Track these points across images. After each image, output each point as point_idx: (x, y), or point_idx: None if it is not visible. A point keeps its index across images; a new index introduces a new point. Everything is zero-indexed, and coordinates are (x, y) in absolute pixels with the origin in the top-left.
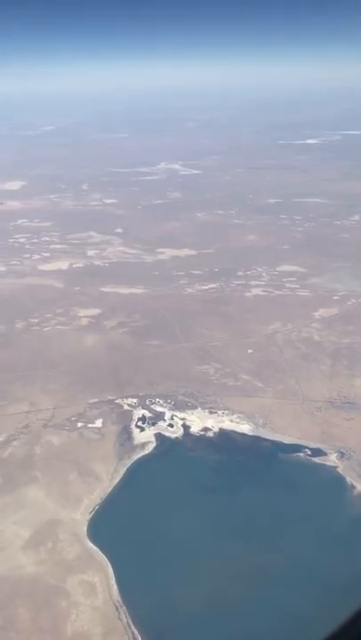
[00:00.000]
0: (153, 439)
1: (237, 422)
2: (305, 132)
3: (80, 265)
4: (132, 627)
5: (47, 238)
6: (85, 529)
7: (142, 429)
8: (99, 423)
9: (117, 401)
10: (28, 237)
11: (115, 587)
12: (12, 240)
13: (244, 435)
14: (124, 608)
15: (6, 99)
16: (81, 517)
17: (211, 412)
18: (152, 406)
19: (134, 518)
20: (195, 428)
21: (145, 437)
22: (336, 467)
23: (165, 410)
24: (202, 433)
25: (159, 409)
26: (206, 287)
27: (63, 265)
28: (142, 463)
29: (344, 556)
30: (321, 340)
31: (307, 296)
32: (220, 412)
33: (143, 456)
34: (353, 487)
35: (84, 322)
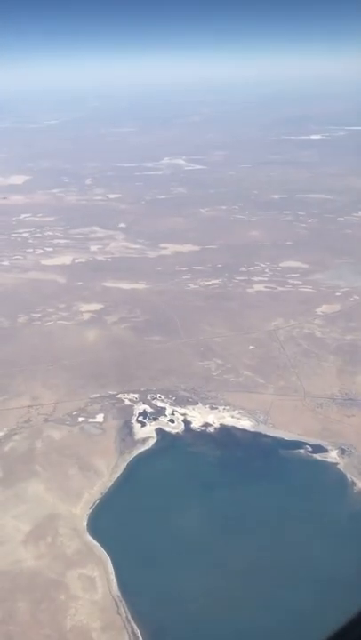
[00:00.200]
0: (154, 434)
1: (238, 418)
2: (310, 127)
3: (83, 260)
4: (131, 621)
5: (50, 233)
6: (85, 523)
7: (143, 424)
8: (100, 418)
9: (119, 396)
10: (31, 232)
11: (114, 581)
12: (15, 234)
13: (244, 431)
14: (124, 602)
15: (11, 93)
16: (81, 512)
17: (212, 408)
18: (153, 401)
19: (134, 513)
20: (196, 424)
21: (146, 432)
22: (337, 463)
23: (166, 405)
24: (203, 428)
25: (160, 404)
26: (209, 283)
27: (66, 260)
28: (143, 458)
29: (345, 553)
30: (323, 336)
31: (309, 292)
32: (221, 408)
33: (144, 451)
34: (354, 484)
35: (86, 317)
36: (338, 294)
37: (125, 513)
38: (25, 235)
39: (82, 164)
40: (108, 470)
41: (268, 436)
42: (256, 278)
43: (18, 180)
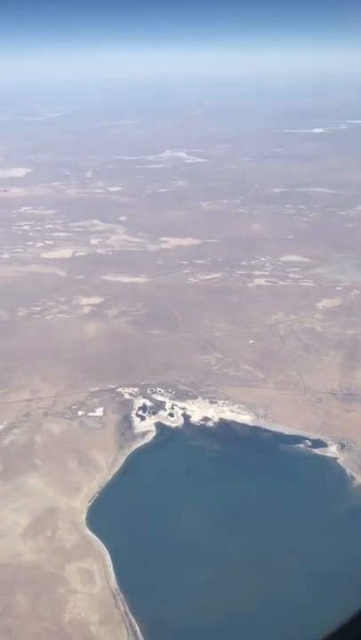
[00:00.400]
0: (153, 428)
1: (238, 412)
2: (312, 120)
3: (83, 253)
4: (130, 615)
5: (51, 226)
6: (84, 517)
7: (143, 418)
8: (99, 412)
9: (118, 390)
10: (31, 225)
11: (113, 575)
12: (15, 227)
13: (244, 425)
14: (122, 596)
15: (12, 85)
16: (80, 506)
17: (211, 402)
18: (153, 395)
19: (133, 507)
20: (195, 418)
21: (145, 426)
22: (336, 458)
23: (166, 399)
24: (202, 423)
25: (160, 398)
26: (209, 277)
27: (66, 253)
28: (142, 452)
29: (344, 548)
30: (323, 331)
31: (310, 286)
32: (220, 402)
33: (143, 445)
34: (353, 479)
35: (86, 310)
36: (339, 289)
37: (124, 507)
38: (25, 228)
39: (83, 156)
40: (107, 464)
41: (268, 431)
42: (257, 272)
43: (18, 172)
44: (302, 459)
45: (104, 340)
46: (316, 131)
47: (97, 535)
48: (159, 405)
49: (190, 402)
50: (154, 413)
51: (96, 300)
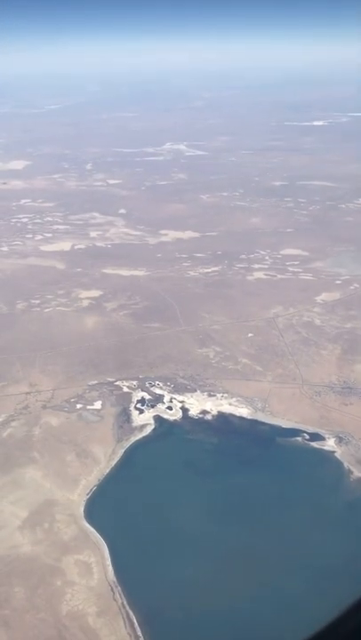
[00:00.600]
0: (152, 421)
1: (236, 406)
2: (313, 113)
3: (82, 246)
4: (127, 607)
5: (50, 219)
6: (82, 510)
7: (141, 411)
8: (98, 405)
9: (117, 383)
10: (30, 217)
11: (110, 567)
12: (14, 220)
13: (242, 418)
14: (119, 588)
15: (11, 77)
16: (78, 498)
17: (210, 395)
18: (151, 389)
19: (131, 500)
20: (193, 411)
21: (144, 420)
22: (334, 451)
23: (165, 392)
24: (200, 416)
25: (158, 391)
26: (209, 270)
27: (65, 246)
28: (140, 445)
29: (341, 541)
30: (322, 324)
31: (309, 280)
32: (218, 396)
33: (141, 438)
34: (350, 472)
35: (85, 303)
36: (338, 282)
37: (122, 500)
38: (24, 220)
39: (82, 149)
40: (105, 457)
41: (266, 424)
42: (256, 266)
43: (18, 165)
44: (300, 452)
45: (103, 333)
46: (316, 123)
47: (95, 528)
48: (158, 398)
49: (189, 395)
50: (152, 406)
51: (95, 293)
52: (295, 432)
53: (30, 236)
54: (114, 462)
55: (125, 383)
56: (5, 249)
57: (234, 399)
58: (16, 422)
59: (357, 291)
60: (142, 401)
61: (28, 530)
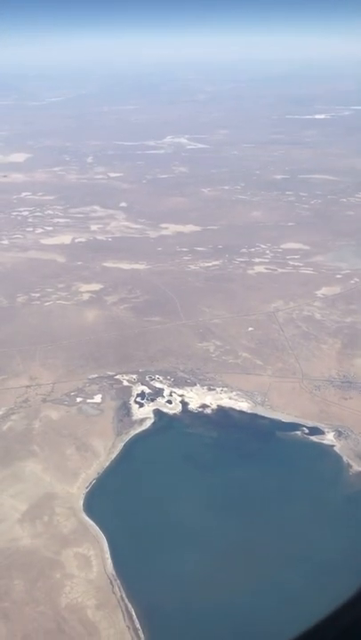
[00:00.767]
0: (151, 415)
1: (236, 400)
2: (315, 106)
3: (83, 239)
4: (126, 600)
5: (50, 212)
6: (82, 503)
7: (141, 405)
8: (98, 398)
9: (117, 377)
10: (31, 211)
11: (109, 560)
12: (15, 213)
13: (242, 412)
14: (118, 581)
15: (13, 69)
16: (77, 491)
17: (209, 389)
18: (151, 382)
19: (131, 493)
20: (193, 405)
21: (143, 413)
22: (333, 445)
23: (164, 386)
24: (200, 410)
25: (158, 385)
26: (209, 264)
27: (66, 239)
28: (140, 439)
29: (340, 535)
30: (322, 318)
31: (310, 274)
32: (218, 390)
33: (141, 432)
34: (349, 466)
35: (86, 297)
36: (339, 276)
37: (122, 493)
38: (25, 213)
39: (83, 142)
40: (105, 450)
41: (266, 418)
42: (257, 259)
43: (19, 157)
44: (299, 446)
45: (103, 326)
46: (318, 117)
47: (94, 521)
48: (157, 392)
49: (189, 389)
50: (152, 400)
51: (95, 286)
52: (295, 426)
53: (31, 229)
54: (113, 456)
55: (125, 377)
56: (6, 242)
57: (234, 393)
58: (16, 416)
59: (358, 285)
60: (142, 395)
61: (28, 523)
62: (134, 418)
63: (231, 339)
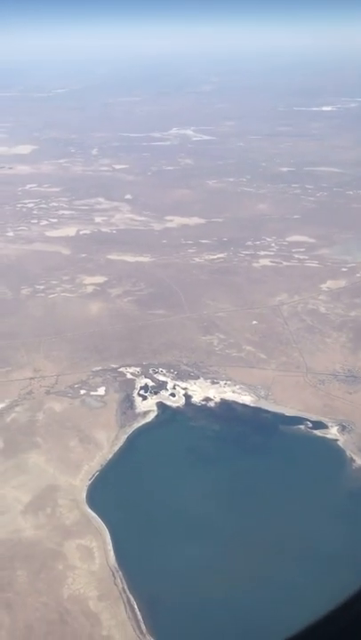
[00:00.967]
0: (155, 408)
1: (239, 393)
2: (322, 98)
3: (87, 231)
4: (128, 592)
5: (55, 204)
6: (84, 495)
7: (144, 398)
8: (101, 391)
9: (120, 369)
10: (36, 202)
11: (111, 552)
12: (20, 205)
13: (245, 406)
14: (120, 573)
15: (18, 61)
16: (80, 483)
17: (213, 383)
18: (155, 375)
19: (133, 485)
20: (196, 398)
21: (147, 406)
22: (337, 440)
23: (168, 379)
24: (203, 403)
25: (162, 378)
26: (214, 257)
27: (70, 231)
28: (143, 431)
29: (342, 529)
30: (327, 312)
31: (315, 267)
32: (222, 383)
33: (144, 424)
34: (353, 460)
35: (90, 289)
36: (344, 270)
37: (124, 485)
38: (30, 205)
39: (88, 133)
40: (108, 443)
41: (269, 412)
42: (262, 252)
43: (24, 149)
44: (302, 440)
45: (107, 319)
46: (325, 109)
47: (97, 513)
48: (161, 385)
49: (192, 382)
50: (155, 393)
51: (100, 279)
52: (298, 420)
53: (35, 221)
54: (117, 448)
55: (129, 369)
56: (11, 234)
57: (237, 386)
58: (20, 407)
59: None
60: (145, 387)
61: (31, 514)
62: (137, 410)
63: (235, 332)
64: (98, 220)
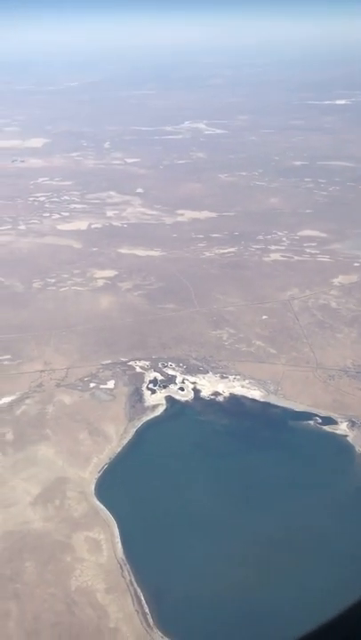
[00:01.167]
0: (163, 402)
1: (248, 388)
2: (335, 91)
3: (99, 225)
4: (135, 584)
5: (67, 197)
6: (93, 487)
7: (153, 392)
8: (111, 384)
9: (130, 363)
10: (48, 196)
11: (119, 545)
12: (32, 199)
13: (254, 400)
14: (128, 566)
15: (30, 54)
16: (89, 476)
17: (222, 377)
18: (164, 369)
19: (141, 479)
20: (205, 393)
21: (156, 400)
22: (346, 435)
23: (177, 373)
24: (212, 397)
25: (171, 372)
26: (225, 251)
27: (82, 225)
28: (152, 425)
29: (351, 525)
30: (338, 307)
31: (326, 262)
32: (231, 377)
33: (153, 418)
34: None
35: (100, 283)
36: (356, 265)
37: (133, 478)
38: (42, 199)
39: (101, 127)
40: (117, 436)
41: (278, 407)
42: (273, 247)
43: (37, 142)
44: (312, 435)
45: (117, 313)
46: (338, 102)
47: (105, 505)
48: (170, 379)
49: (201, 376)
50: (164, 387)
51: (110, 272)
52: (307, 415)
53: (47, 214)
54: (125, 441)
55: (138, 363)
56: (23, 227)
57: (246, 381)
58: (30, 400)
59: None
60: (155, 381)
61: (40, 506)
62: (146, 404)
63: (245, 327)
64: (109, 213)
